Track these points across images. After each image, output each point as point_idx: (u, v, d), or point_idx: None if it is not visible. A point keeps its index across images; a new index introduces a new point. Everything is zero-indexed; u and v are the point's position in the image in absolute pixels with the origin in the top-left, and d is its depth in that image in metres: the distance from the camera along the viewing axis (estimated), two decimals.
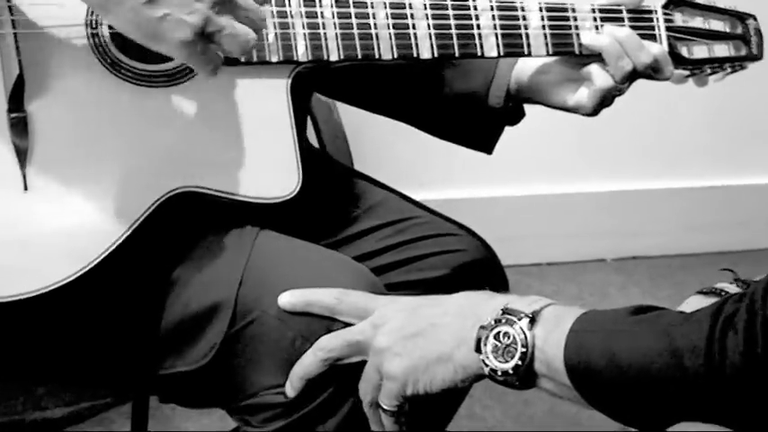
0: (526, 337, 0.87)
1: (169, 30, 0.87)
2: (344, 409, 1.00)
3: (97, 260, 0.97)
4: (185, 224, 1.04)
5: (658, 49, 1.16)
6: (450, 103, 1.25)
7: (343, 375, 0.98)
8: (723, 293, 1.00)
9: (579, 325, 0.87)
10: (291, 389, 0.97)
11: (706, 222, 2.66)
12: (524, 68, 1.22)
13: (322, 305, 0.99)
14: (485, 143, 1.29)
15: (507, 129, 1.28)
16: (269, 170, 1.04)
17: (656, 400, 0.81)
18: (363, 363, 0.97)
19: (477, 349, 0.90)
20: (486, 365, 0.89)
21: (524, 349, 0.87)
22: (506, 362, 0.88)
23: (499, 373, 0.88)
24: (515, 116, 1.27)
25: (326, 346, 0.97)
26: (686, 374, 0.79)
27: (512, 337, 0.88)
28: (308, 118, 1.40)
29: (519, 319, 0.88)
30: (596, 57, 1.17)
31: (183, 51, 0.89)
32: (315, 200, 1.14)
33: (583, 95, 1.17)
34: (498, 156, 1.30)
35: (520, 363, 0.87)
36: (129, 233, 0.98)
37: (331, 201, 1.25)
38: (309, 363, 0.97)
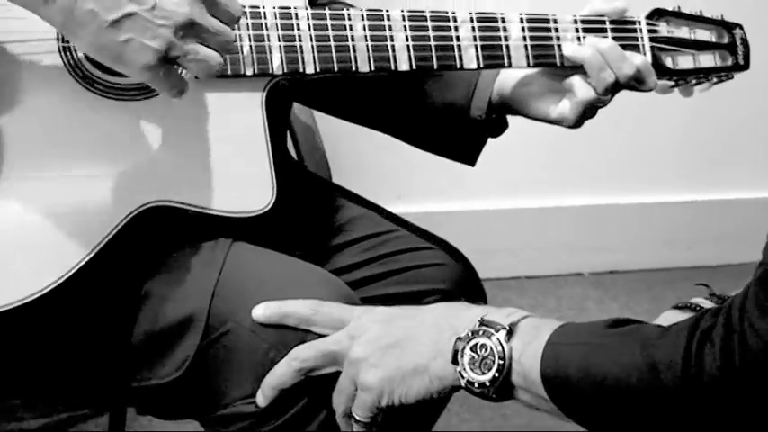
0: (503, 349, 0.87)
1: (132, 54, 0.87)
2: (317, 421, 0.99)
3: (69, 274, 0.96)
4: (158, 237, 1.03)
5: (641, 60, 1.16)
6: (432, 113, 1.25)
7: (316, 386, 0.97)
8: (698, 308, 1.00)
9: (556, 337, 0.87)
10: (263, 398, 0.97)
11: (682, 237, 2.68)
12: (507, 80, 1.22)
13: (297, 316, 0.98)
14: (467, 155, 1.28)
15: (487, 143, 1.28)
16: (243, 184, 1.03)
17: (632, 412, 0.81)
18: (337, 374, 0.96)
19: (454, 361, 0.90)
20: (463, 377, 0.89)
21: (501, 361, 0.87)
22: (483, 374, 0.88)
23: (476, 384, 0.88)
24: (498, 128, 1.27)
25: (300, 356, 0.96)
26: (663, 388, 0.79)
27: (489, 349, 0.88)
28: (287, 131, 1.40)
29: (496, 331, 0.88)
30: (578, 68, 1.16)
31: (146, 75, 0.89)
32: (292, 213, 1.14)
33: (565, 107, 1.17)
34: (477, 170, 1.30)
35: (497, 375, 0.87)
36: (101, 247, 0.97)
37: (308, 214, 1.25)
38: (283, 373, 0.96)
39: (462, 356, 0.89)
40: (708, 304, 1.01)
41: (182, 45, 0.89)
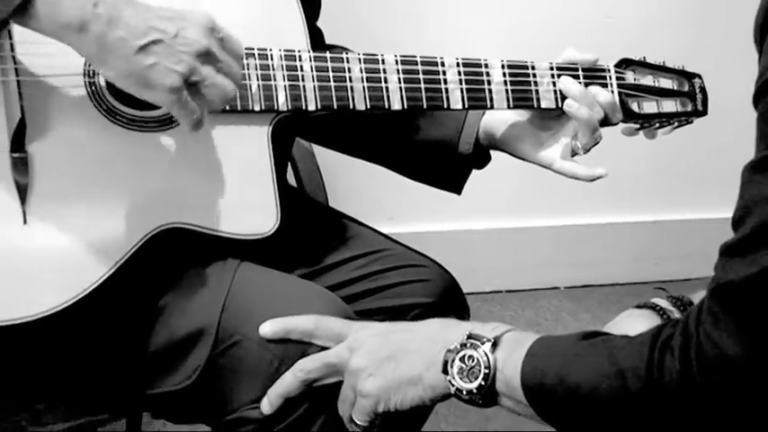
0: (489, 360, 0.88)
1: (158, 77, 0.87)
2: (317, 425, 0.99)
3: (91, 289, 0.96)
4: (172, 257, 1.03)
5: (608, 97, 1.16)
6: (423, 148, 1.26)
7: (317, 394, 0.98)
8: (656, 306, 1.01)
9: (535, 349, 0.87)
10: (269, 405, 0.97)
11: (649, 254, 2.67)
12: (492, 121, 1.23)
13: (301, 330, 0.98)
14: (454, 185, 1.29)
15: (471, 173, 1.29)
16: (250, 209, 1.03)
17: (603, 416, 0.82)
18: (337, 383, 0.97)
19: (444, 371, 0.90)
20: (453, 385, 0.89)
21: (487, 371, 0.88)
22: (471, 382, 0.88)
23: (464, 392, 0.89)
24: (482, 160, 1.27)
25: (306, 368, 0.97)
26: (629, 393, 0.79)
27: (476, 360, 0.88)
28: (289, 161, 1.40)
29: (482, 343, 0.89)
30: (554, 111, 1.17)
31: (169, 98, 0.88)
32: (293, 234, 1.14)
33: (546, 150, 1.19)
34: (462, 194, 1.30)
35: (483, 383, 0.88)
36: (119, 265, 0.98)
37: (308, 235, 1.25)
38: (289, 383, 0.97)
39: (452, 366, 0.90)
40: (664, 303, 1.02)
41: (202, 70, 0.89)
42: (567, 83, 1.15)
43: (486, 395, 0.89)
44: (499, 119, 1.22)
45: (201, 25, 0.89)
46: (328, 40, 1.33)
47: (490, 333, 0.90)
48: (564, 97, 1.16)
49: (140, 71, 0.86)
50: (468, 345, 0.89)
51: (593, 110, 1.14)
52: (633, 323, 0.99)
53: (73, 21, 0.83)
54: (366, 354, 0.95)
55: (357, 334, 0.97)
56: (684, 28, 2.42)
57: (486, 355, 0.88)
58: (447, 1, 2.31)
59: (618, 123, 1.19)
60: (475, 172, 1.29)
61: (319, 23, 1.30)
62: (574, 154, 1.18)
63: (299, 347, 0.98)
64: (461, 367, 0.89)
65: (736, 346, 0.73)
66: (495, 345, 0.89)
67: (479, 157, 1.26)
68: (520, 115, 1.21)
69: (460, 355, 0.89)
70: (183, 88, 0.88)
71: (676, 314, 1.02)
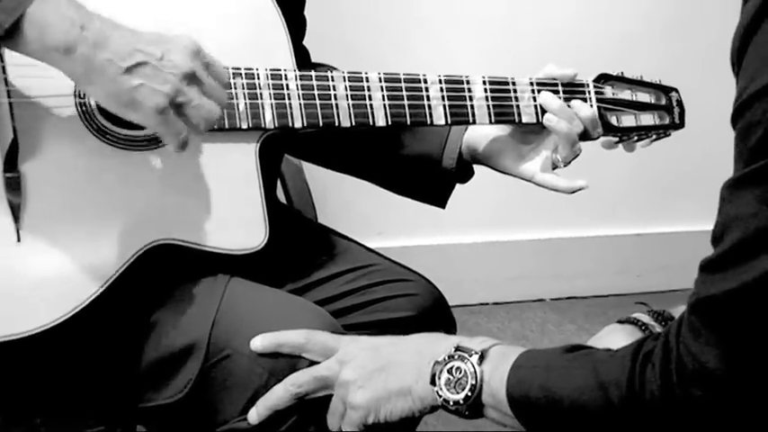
0: (476, 372, 0.88)
1: (144, 98, 0.87)
2: None
3: (84, 305, 0.96)
4: (164, 272, 1.03)
5: (589, 112, 1.17)
6: (407, 164, 1.26)
7: (306, 407, 0.98)
8: (637, 321, 1.01)
9: (521, 361, 0.88)
10: (257, 416, 0.97)
11: (632, 267, 2.68)
12: (475, 136, 1.23)
13: (291, 345, 0.98)
14: (438, 199, 1.29)
15: (455, 188, 1.29)
16: (239, 225, 1.04)
17: (586, 427, 0.82)
18: (326, 396, 0.97)
19: (432, 382, 0.90)
20: (440, 396, 0.90)
21: (474, 382, 0.88)
22: (457, 393, 0.89)
23: (451, 402, 0.89)
24: (466, 175, 1.28)
25: (297, 382, 0.97)
26: (611, 405, 0.79)
27: (463, 371, 0.89)
28: (278, 178, 1.40)
29: (470, 356, 0.89)
30: (534, 126, 1.17)
31: (155, 119, 0.88)
32: (282, 250, 1.14)
33: (527, 164, 1.19)
34: (448, 208, 1.31)
35: (470, 394, 0.88)
36: (112, 281, 0.97)
37: (297, 251, 1.25)
38: (279, 396, 0.97)
39: (440, 378, 0.90)
40: (646, 318, 1.02)
41: (187, 91, 0.89)
42: (546, 97, 1.16)
43: (473, 406, 0.89)
44: (481, 134, 1.22)
45: (187, 49, 0.89)
46: (315, 59, 1.33)
47: (477, 346, 0.90)
48: (544, 111, 1.16)
49: (126, 92, 0.87)
50: (456, 357, 0.90)
51: (573, 123, 1.15)
52: (616, 338, 1.00)
53: (60, 43, 0.84)
54: (356, 367, 0.95)
55: (347, 347, 0.97)
56: (664, 44, 2.44)
57: (473, 367, 0.88)
58: (431, 20, 2.33)
59: (598, 138, 1.20)
60: (462, 187, 1.30)
61: (306, 43, 1.31)
62: (555, 167, 1.19)
63: (288, 361, 0.98)
64: (449, 378, 0.89)
65: (717, 360, 0.74)
66: (482, 357, 0.89)
67: (463, 171, 1.26)
68: (501, 130, 1.21)
69: (448, 366, 0.90)
70: (169, 109, 0.88)
71: (657, 329, 1.02)
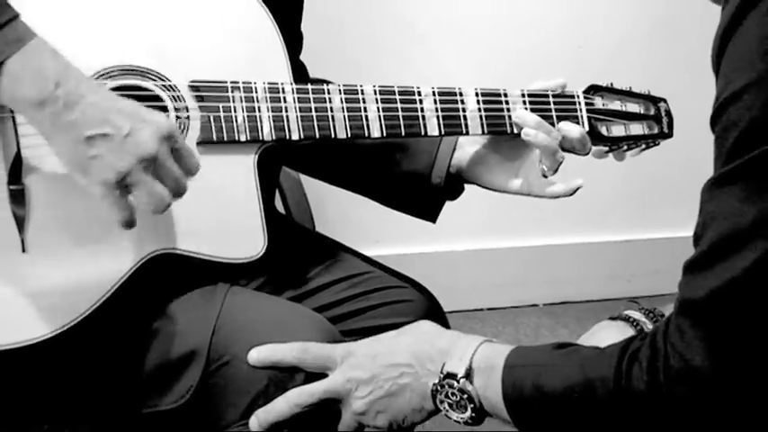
0: (471, 392, 0.90)
1: (96, 170, 0.85)
2: None
3: (87, 313, 0.96)
4: (165, 281, 1.03)
5: (578, 132, 1.17)
6: (398, 180, 1.26)
7: (303, 416, 0.98)
8: (628, 317, 1.02)
9: (512, 360, 0.89)
10: (258, 425, 0.97)
11: (623, 272, 2.68)
12: (462, 155, 1.23)
13: (288, 362, 0.98)
14: (429, 214, 1.29)
15: (445, 204, 1.29)
16: (238, 235, 1.04)
17: (577, 423, 0.83)
18: (326, 401, 0.97)
19: (436, 405, 0.93)
20: (449, 417, 0.92)
21: (472, 404, 0.90)
22: (463, 412, 0.91)
23: (462, 422, 0.92)
24: (455, 192, 1.28)
25: (300, 402, 0.97)
26: (599, 401, 0.80)
27: (458, 395, 0.90)
28: (276, 189, 1.40)
29: (458, 381, 0.90)
30: (521, 140, 1.17)
31: (101, 191, 0.87)
32: (281, 259, 1.14)
33: (514, 181, 1.20)
34: (443, 217, 1.30)
35: (473, 414, 0.91)
36: (114, 290, 0.98)
37: (295, 260, 1.25)
38: (281, 412, 0.96)
39: (441, 403, 0.92)
40: (637, 315, 1.03)
41: (141, 174, 0.86)
42: (521, 114, 1.15)
43: (479, 418, 0.91)
44: (469, 153, 1.23)
45: (159, 131, 0.87)
46: (313, 74, 1.34)
47: (460, 364, 0.91)
48: None
49: (82, 159, 0.85)
50: (446, 385, 0.91)
51: (551, 135, 1.15)
52: (607, 335, 1.00)
53: (31, 97, 0.83)
54: (365, 396, 0.95)
55: (350, 374, 0.96)
56: (653, 55, 2.45)
57: (466, 390, 0.90)
58: (427, 35, 2.33)
59: (588, 154, 1.20)
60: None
61: (304, 58, 1.31)
62: (544, 176, 1.18)
63: (288, 369, 0.98)
64: (450, 402, 0.91)
65: (703, 359, 0.74)
66: (469, 375, 0.90)
67: (452, 188, 1.26)
68: (490, 149, 1.21)
69: (444, 393, 0.92)
70: (115, 187, 0.86)
71: (649, 325, 1.03)
